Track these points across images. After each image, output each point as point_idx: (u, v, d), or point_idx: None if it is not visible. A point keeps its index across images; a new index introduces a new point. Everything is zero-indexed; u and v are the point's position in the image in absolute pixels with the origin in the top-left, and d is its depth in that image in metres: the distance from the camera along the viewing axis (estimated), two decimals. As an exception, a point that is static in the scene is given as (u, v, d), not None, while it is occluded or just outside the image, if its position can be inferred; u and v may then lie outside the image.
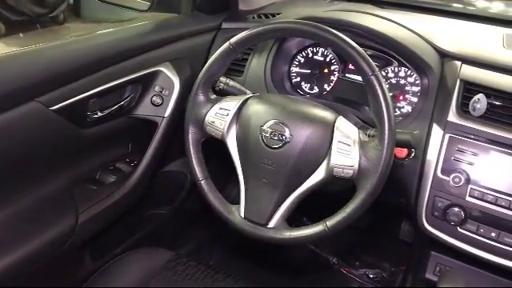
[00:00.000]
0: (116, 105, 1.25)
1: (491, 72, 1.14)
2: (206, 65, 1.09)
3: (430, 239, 1.18)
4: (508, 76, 1.12)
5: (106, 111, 1.23)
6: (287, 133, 1.01)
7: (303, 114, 1.03)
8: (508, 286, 1.30)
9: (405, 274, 1.57)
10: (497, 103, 1.09)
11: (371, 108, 0.96)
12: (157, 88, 1.32)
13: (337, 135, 0.99)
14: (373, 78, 0.94)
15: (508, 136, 1.06)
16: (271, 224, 1.03)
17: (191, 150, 1.12)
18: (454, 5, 1.59)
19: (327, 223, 0.98)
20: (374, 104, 0.95)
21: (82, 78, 1.13)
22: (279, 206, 1.03)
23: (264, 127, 1.02)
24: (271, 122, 1.02)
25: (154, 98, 1.32)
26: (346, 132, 0.99)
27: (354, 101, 1.32)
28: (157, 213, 1.64)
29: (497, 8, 1.62)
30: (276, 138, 1.01)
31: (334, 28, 1.00)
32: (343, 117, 1.05)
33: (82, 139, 1.21)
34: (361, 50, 0.96)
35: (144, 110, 1.32)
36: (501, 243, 1.08)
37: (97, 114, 1.21)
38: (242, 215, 1.06)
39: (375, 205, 1.70)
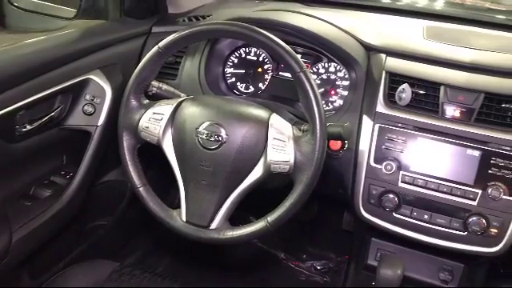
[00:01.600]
0: (46, 116, 1.21)
1: (414, 62, 1.20)
2: (136, 70, 1.08)
3: (369, 226, 1.23)
4: (429, 65, 1.18)
5: (36, 124, 1.18)
6: (223, 133, 1.01)
7: (238, 113, 1.04)
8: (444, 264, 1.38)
9: (349, 262, 1.62)
10: (421, 92, 1.15)
11: (302, 104, 0.99)
12: (88, 96, 1.28)
13: (271, 132, 1.01)
14: (301, 74, 0.96)
15: (432, 122, 1.13)
16: (213, 225, 1.04)
17: (127, 157, 1.10)
18: (378, 0, 1.66)
19: (268, 219, 1.00)
20: (305, 100, 0.97)
21: (8, 90, 1.08)
22: (220, 206, 1.03)
23: (200, 129, 1.02)
24: (206, 124, 1.02)
25: (86, 107, 1.28)
26: (280, 128, 1.01)
27: (289, 98, 1.35)
28: (98, 224, 1.60)
29: (417, 2, 1.71)
30: (212, 139, 1.01)
31: (262, 27, 1.01)
32: (277, 114, 1.07)
33: (12, 154, 1.15)
34: (288, 48, 0.98)
35: (76, 119, 1.28)
36: (433, 224, 1.14)
37: (26, 127, 1.16)
38: (184, 219, 1.06)
39: (317, 197, 1.75)
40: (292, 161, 0.99)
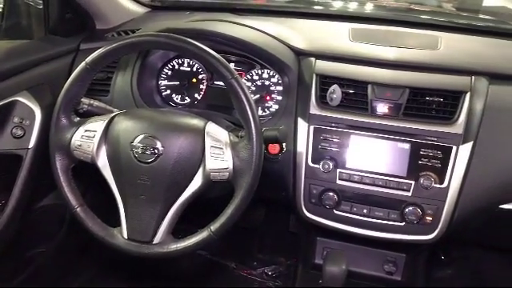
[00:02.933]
0: (-29, 143, 1.15)
1: (342, 64, 1.24)
2: (64, 88, 1.05)
3: (314, 226, 1.25)
4: (356, 66, 1.23)
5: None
6: (159, 145, 1.00)
7: (172, 124, 1.04)
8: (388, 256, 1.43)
9: (297, 263, 1.64)
10: (350, 91, 1.20)
11: (236, 110, 1.00)
12: (16, 119, 1.23)
13: (208, 140, 1.01)
14: (233, 81, 0.97)
15: (363, 120, 1.17)
16: (156, 240, 1.02)
17: (61, 178, 1.06)
18: (305, 6, 1.70)
19: (211, 228, 1.00)
20: (238, 106, 0.98)
21: None
22: (162, 220, 1.02)
23: (134, 143, 1.01)
24: (141, 137, 1.01)
25: (14, 130, 1.22)
26: (217, 136, 1.02)
27: (226, 106, 1.36)
28: (38, 252, 1.53)
29: (342, 6, 1.78)
30: (148, 152, 1.00)
31: (192, 38, 1.01)
32: (214, 122, 1.07)
33: None
34: (218, 56, 0.99)
35: (4, 144, 1.22)
36: (373, 217, 1.19)
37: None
38: (125, 236, 1.03)
39: (263, 203, 1.76)
40: (231, 167, 0.99)
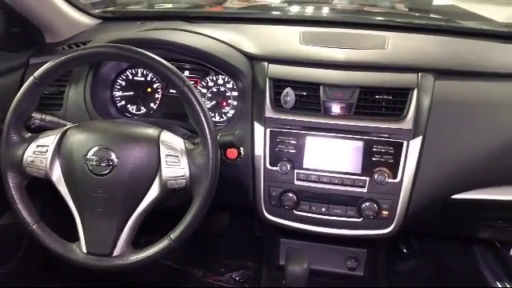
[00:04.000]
0: None
1: (294, 67, 1.27)
2: (13, 103, 1.03)
3: (276, 228, 1.27)
4: (307, 68, 1.26)
5: None
6: (113, 157, 0.99)
7: (126, 135, 1.03)
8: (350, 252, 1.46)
9: (262, 266, 1.65)
10: (303, 93, 1.22)
11: (190, 117, 1.01)
12: None
13: (163, 149, 1.01)
14: (185, 88, 0.98)
15: (317, 120, 1.20)
16: (116, 252, 1.01)
17: (14, 196, 1.04)
18: (257, 12, 1.73)
19: (171, 236, 1.00)
20: (192, 113, 0.99)
21: None
22: (121, 232, 1.01)
23: (88, 156, 1.00)
24: (95, 149, 1.00)
25: None
26: (172, 144, 1.02)
27: (183, 114, 1.35)
28: (-3, 274, 1.48)
29: (292, 10, 1.81)
30: (103, 164, 0.99)
31: (144, 47, 1.02)
32: (169, 131, 1.07)
33: None
34: (168, 64, 0.99)
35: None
36: (331, 215, 1.21)
37: None
38: (84, 250, 1.02)
39: (226, 208, 1.76)
40: (187, 174, 1.00)
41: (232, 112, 1.36)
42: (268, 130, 1.21)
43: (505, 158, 1.17)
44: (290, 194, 1.21)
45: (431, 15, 2.08)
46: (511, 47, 1.40)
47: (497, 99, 1.22)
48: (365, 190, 1.18)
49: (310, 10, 1.90)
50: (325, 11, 1.89)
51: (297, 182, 1.21)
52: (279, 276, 1.46)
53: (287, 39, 1.41)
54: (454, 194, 1.19)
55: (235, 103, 1.35)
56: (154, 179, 1.01)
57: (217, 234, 1.94)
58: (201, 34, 1.39)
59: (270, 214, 1.24)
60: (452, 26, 1.58)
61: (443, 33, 1.48)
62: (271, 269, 1.52)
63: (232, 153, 1.21)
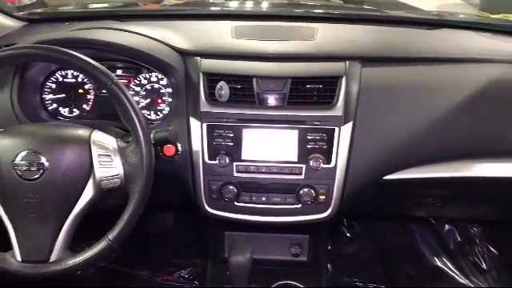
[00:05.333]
0: None
1: (226, 61, 1.28)
2: None
3: (219, 221, 1.28)
4: (240, 61, 1.27)
5: None
6: (43, 160, 0.97)
7: (56, 137, 1.01)
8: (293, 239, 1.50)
9: (208, 261, 1.66)
10: (237, 86, 1.24)
11: (120, 115, 1.00)
12: None
13: (95, 149, 0.99)
14: (113, 86, 0.97)
15: (252, 112, 1.22)
16: (53, 257, 0.99)
17: None
18: (188, 8, 1.73)
19: (109, 237, 0.99)
20: (122, 110, 0.98)
21: None
22: (57, 236, 0.99)
23: (16, 161, 0.97)
24: (23, 154, 0.97)
25: None
26: (104, 144, 1.01)
27: (116, 113, 1.34)
28: None
29: (225, 5, 1.82)
30: (33, 168, 0.96)
31: (71, 47, 0.99)
32: (101, 130, 1.06)
33: None
34: (94, 63, 0.98)
35: None
36: (272, 204, 1.24)
37: None
38: (19, 259, 0.99)
39: (170, 207, 1.75)
40: (122, 173, 0.99)
41: (167, 109, 1.35)
42: (204, 125, 1.22)
43: (430, 138, 1.23)
44: (230, 187, 1.22)
45: (361, 6, 2.16)
46: (434, 33, 1.47)
47: (422, 83, 1.28)
48: (302, 176, 1.21)
49: (241, 5, 1.92)
50: (256, 5, 1.91)
51: (236, 174, 1.22)
52: (224, 268, 1.47)
53: (219, 34, 1.42)
54: (386, 174, 1.25)
55: (170, 100, 1.35)
56: (87, 180, 0.99)
57: (163, 233, 1.93)
58: (131, 31, 1.37)
59: (211, 207, 1.24)
60: (378, 16, 1.65)
61: (370, 22, 1.54)
62: (217, 263, 1.53)
63: (169, 150, 1.20)
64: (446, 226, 2.01)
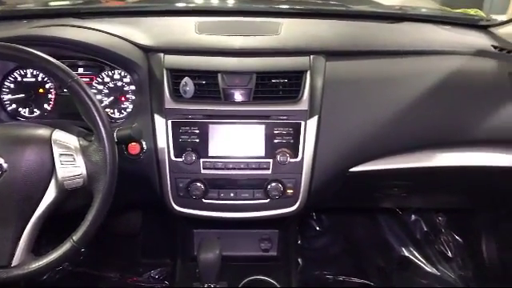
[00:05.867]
0: None
1: (190, 56, 1.27)
2: None
3: (187, 219, 1.27)
4: (204, 57, 1.26)
5: None
6: (2, 162, 0.94)
7: (15, 138, 0.98)
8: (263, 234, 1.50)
9: (177, 260, 1.64)
10: (202, 82, 1.23)
11: (81, 113, 0.97)
12: None
13: (56, 149, 0.97)
14: (73, 83, 0.94)
15: (218, 108, 1.21)
16: (15, 261, 0.96)
17: None
18: (151, 5, 1.70)
19: (73, 238, 0.96)
20: (83, 108, 0.96)
21: None
22: (18, 240, 0.96)
23: None
24: None
25: None
26: (65, 143, 0.98)
27: (78, 112, 1.31)
28: None
29: (189, 1, 1.81)
30: None
31: (30, 45, 0.96)
32: (63, 130, 1.03)
33: None
34: (53, 60, 0.95)
35: None
36: (240, 199, 1.24)
37: None
38: None
39: (138, 207, 1.72)
40: (84, 173, 0.97)
41: (131, 107, 1.33)
42: (169, 122, 1.20)
43: (395, 129, 1.26)
44: (198, 184, 1.21)
45: (325, 1, 2.17)
46: (397, 27, 1.50)
47: (385, 75, 1.30)
48: (269, 171, 1.21)
49: (205, 1, 1.91)
50: (220, 1, 1.90)
51: (203, 171, 1.21)
52: (193, 266, 1.46)
53: (183, 29, 1.40)
54: (352, 167, 1.26)
55: (133, 97, 1.32)
56: (49, 181, 0.96)
57: (131, 233, 1.90)
58: (91, 28, 1.34)
59: (178, 205, 1.23)
60: (342, 10, 1.67)
61: (334, 17, 1.55)
62: (186, 261, 1.52)
63: (134, 148, 1.18)
64: (413, 217, 2.06)
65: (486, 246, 1.85)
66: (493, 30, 1.56)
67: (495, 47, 1.41)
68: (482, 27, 1.57)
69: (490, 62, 1.34)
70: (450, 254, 1.99)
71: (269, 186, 1.21)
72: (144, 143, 1.19)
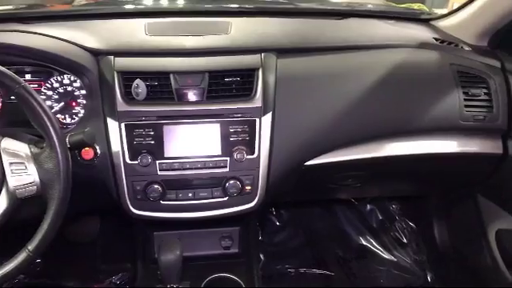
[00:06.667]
0: None
1: (141, 58, 1.26)
2: None
3: (146, 222, 1.26)
4: (155, 58, 1.25)
5: None
6: None
7: None
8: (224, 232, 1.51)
9: (138, 263, 1.63)
10: (155, 83, 1.22)
11: (31, 120, 0.95)
12: None
13: (5, 158, 0.94)
14: (20, 90, 0.92)
15: (172, 109, 1.21)
16: None
17: None
18: (99, 8, 1.67)
19: (29, 247, 0.94)
20: (32, 115, 0.94)
21: None
22: None
23: None
24: None
25: None
26: (15, 151, 0.96)
27: (28, 119, 1.27)
28: None
29: (137, 3, 1.79)
30: None
31: None
32: (12, 138, 1.00)
33: None
34: None
35: None
36: (199, 199, 1.24)
37: None
38: None
39: (94, 214, 1.69)
40: (37, 180, 0.94)
41: (83, 111, 1.30)
42: (123, 125, 1.19)
43: (346, 122, 1.29)
44: (155, 186, 1.21)
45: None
46: (343, 23, 1.54)
47: (334, 70, 1.34)
48: (227, 169, 1.22)
49: (154, 2, 1.89)
50: (169, 2, 1.89)
51: (160, 173, 1.21)
52: (154, 269, 1.45)
53: (132, 31, 1.38)
54: (307, 160, 1.30)
55: (85, 102, 1.30)
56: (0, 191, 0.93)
57: (89, 240, 1.86)
58: (38, 33, 1.30)
59: (136, 208, 1.22)
60: (291, 8, 1.70)
61: (283, 15, 1.58)
62: (147, 264, 1.51)
63: (87, 153, 1.16)
64: (368, 206, 2.13)
65: (438, 231, 1.93)
66: (434, 23, 1.63)
67: (437, 39, 1.48)
68: (425, 21, 1.64)
69: (433, 54, 1.41)
70: (404, 240, 2.07)
71: (227, 184, 1.22)
72: (98, 148, 1.18)
